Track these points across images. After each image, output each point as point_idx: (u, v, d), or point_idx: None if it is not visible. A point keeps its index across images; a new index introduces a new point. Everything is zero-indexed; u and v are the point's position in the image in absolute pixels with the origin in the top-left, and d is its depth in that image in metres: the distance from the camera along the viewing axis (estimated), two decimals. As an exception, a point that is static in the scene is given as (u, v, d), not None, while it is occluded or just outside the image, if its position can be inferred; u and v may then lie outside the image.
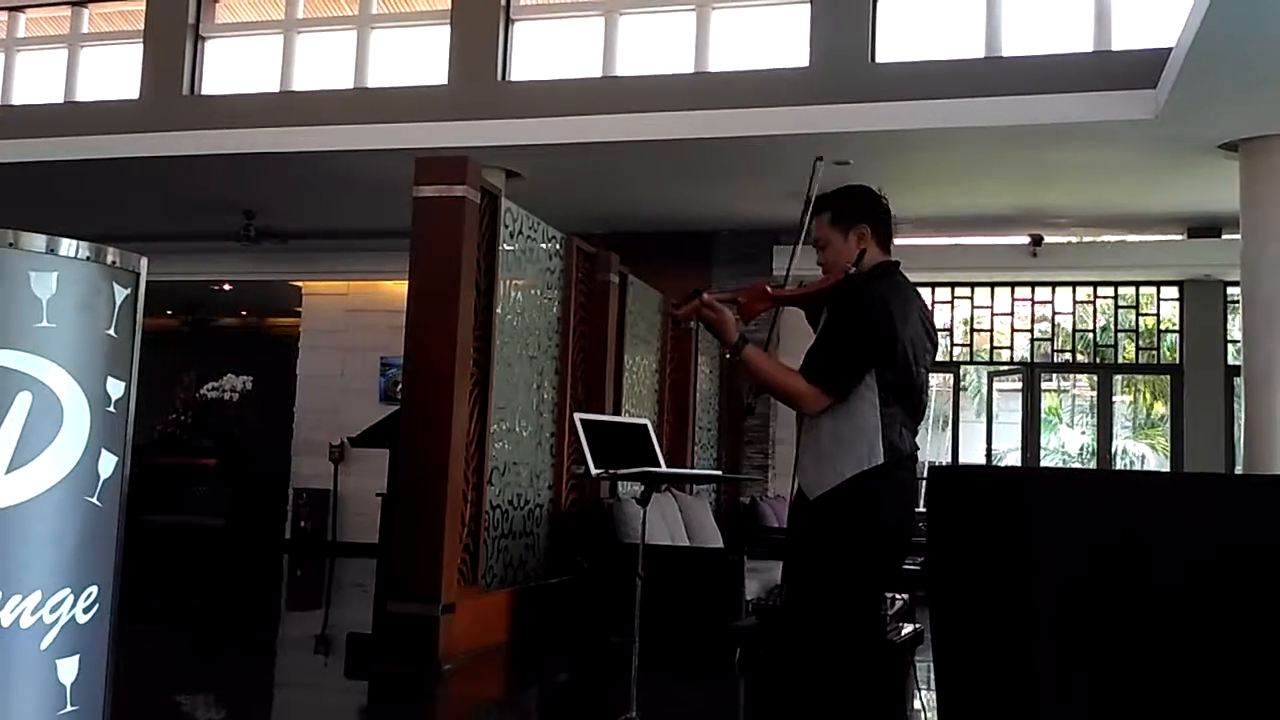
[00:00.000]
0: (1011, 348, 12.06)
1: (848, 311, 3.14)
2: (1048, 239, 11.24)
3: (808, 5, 8.83)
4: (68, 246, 2.12)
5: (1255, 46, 6.42)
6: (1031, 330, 12.05)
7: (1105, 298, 11.88)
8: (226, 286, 14.19)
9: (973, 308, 12.12)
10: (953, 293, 12.02)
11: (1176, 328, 11.65)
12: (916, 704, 5.07)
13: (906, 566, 3.31)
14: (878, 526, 3.04)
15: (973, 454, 12.29)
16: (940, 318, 11.74)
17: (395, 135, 9.00)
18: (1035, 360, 12.03)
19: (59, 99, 10.69)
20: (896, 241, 3.35)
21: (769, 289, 3.33)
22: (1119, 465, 13.92)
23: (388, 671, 5.71)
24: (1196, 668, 2.42)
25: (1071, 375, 14.50)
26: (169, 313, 15.16)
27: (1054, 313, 12.07)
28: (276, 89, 10.02)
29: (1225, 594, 2.42)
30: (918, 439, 3.23)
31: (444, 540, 5.76)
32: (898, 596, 5.18)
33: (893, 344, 3.06)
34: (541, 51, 9.64)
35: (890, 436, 3.04)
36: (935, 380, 3.39)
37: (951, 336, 11.96)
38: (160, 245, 11.62)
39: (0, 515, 1.98)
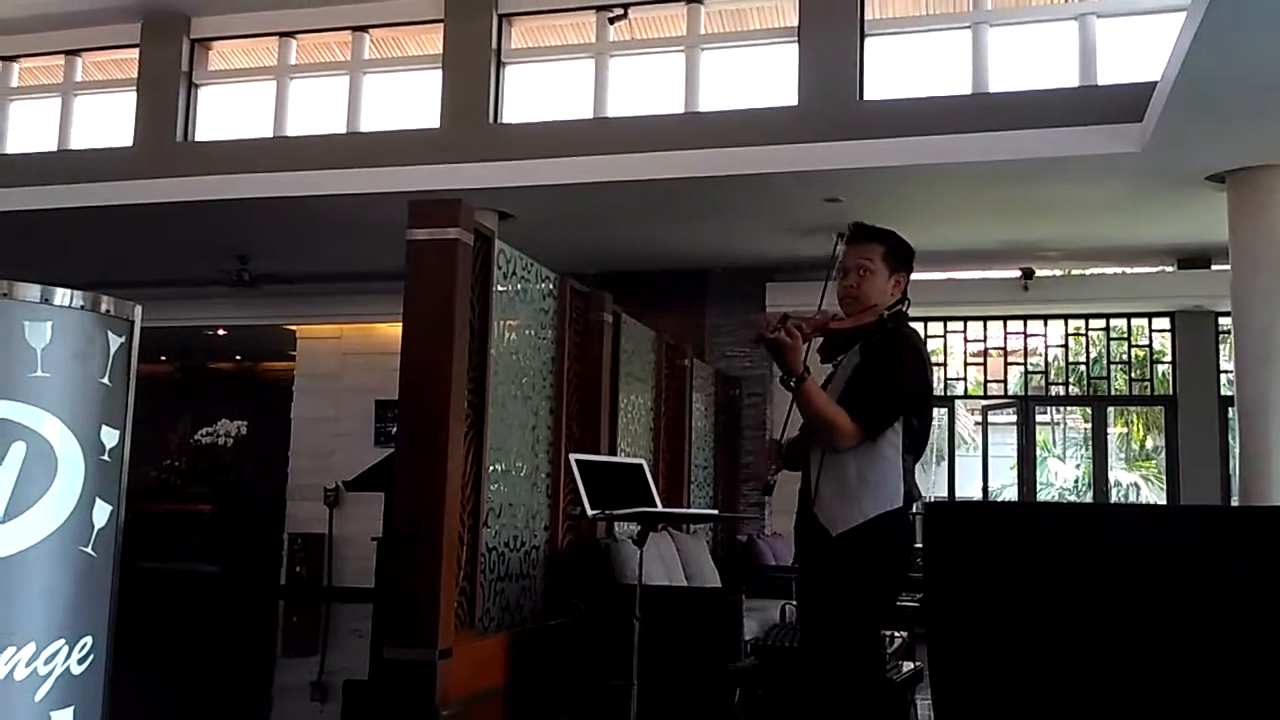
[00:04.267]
0: (1005, 381, 12.07)
1: (895, 356, 3.19)
2: (1038, 272, 11.30)
3: (795, 45, 8.92)
4: (62, 296, 2.12)
5: (1240, 79, 6.48)
6: (1024, 363, 12.07)
7: (1097, 330, 11.92)
8: (221, 331, 14.17)
9: (965, 341, 12.15)
10: (945, 327, 12.04)
11: (1169, 359, 11.68)
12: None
13: (903, 603, 3.31)
14: (895, 571, 3.09)
15: (966, 489, 12.26)
16: (932, 352, 11.74)
17: (388, 179, 9.04)
18: (1029, 394, 12.04)
19: (53, 147, 10.74)
20: None
21: (830, 323, 3.27)
22: (1114, 498, 13.89)
23: (385, 719, 5.65)
24: (1193, 703, 2.41)
25: (1063, 408, 14.50)
26: (163, 358, 15.14)
27: (1046, 345, 12.11)
28: (270, 134, 10.08)
29: (1224, 630, 2.41)
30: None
31: (440, 584, 5.71)
32: (897, 634, 5.15)
33: (929, 394, 3.23)
34: (532, 94, 9.71)
35: (908, 481, 3.12)
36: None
37: (946, 371, 11.98)
38: (154, 291, 11.66)
39: (-6, 567, 1.97)
